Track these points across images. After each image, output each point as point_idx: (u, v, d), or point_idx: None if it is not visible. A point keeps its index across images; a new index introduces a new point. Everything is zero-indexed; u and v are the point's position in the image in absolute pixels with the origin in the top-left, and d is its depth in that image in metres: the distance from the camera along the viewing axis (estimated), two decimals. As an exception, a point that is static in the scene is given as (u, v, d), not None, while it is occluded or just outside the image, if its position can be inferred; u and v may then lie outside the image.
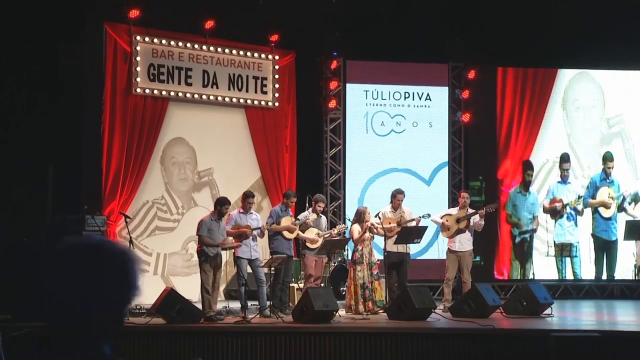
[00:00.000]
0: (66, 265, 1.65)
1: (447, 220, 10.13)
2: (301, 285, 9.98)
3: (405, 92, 12.61)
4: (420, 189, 12.31)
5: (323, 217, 10.18)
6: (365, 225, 9.69)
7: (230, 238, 9.15)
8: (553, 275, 12.56)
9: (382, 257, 10.15)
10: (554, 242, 12.61)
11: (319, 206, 9.89)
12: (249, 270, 9.33)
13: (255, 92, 11.57)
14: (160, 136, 10.77)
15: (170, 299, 8.61)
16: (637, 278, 12.42)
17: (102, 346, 1.68)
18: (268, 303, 9.15)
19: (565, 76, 12.93)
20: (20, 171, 9.76)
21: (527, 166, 12.74)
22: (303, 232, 9.81)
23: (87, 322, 1.65)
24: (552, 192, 12.76)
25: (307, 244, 9.84)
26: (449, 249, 10.18)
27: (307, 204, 10.35)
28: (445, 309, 9.59)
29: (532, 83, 12.81)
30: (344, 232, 10.78)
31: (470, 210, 10.22)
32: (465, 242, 10.10)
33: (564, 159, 12.75)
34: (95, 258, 1.67)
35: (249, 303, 9.06)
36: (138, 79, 10.50)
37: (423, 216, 10.06)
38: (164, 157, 10.95)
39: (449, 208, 10.92)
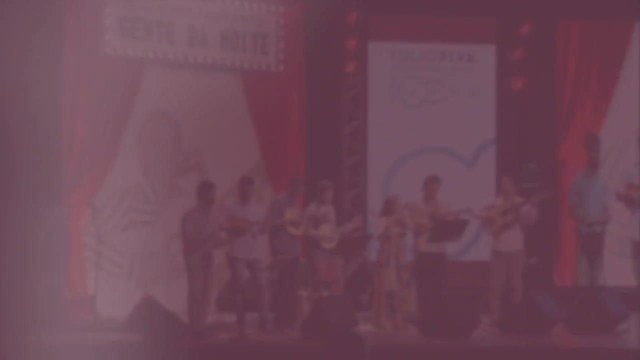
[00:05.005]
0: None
1: (489, 214, 10.06)
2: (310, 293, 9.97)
3: (441, 52, 12.62)
4: (460, 174, 12.34)
5: (330, 207, 10.13)
6: (394, 218, 9.68)
7: (222, 233, 9.26)
8: (630, 281, 12.41)
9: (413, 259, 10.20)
10: (632, 239, 12.46)
11: (327, 195, 9.91)
12: (247, 274, 9.34)
13: (255, 53, 11.61)
14: (135, 108, 10.81)
15: (149, 311, 8.77)
16: None
17: None
18: (270, 315, 9.28)
19: (646, 31, 12.91)
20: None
21: (593, 140, 12.57)
22: (316, 230, 9.86)
23: None
24: (629, 177, 12.60)
25: (321, 243, 9.90)
26: (493, 249, 10.16)
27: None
28: (493, 323, 9.61)
29: (604, 40, 12.71)
30: (365, 227, 10.77)
31: (518, 199, 10.12)
32: (514, 240, 10.08)
33: (646, 136, 12.64)
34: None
35: (247, 315, 9.11)
36: (108, 36, 10.49)
37: (463, 210, 10.02)
38: (141, 135, 11.01)
39: (496, 197, 10.87)
